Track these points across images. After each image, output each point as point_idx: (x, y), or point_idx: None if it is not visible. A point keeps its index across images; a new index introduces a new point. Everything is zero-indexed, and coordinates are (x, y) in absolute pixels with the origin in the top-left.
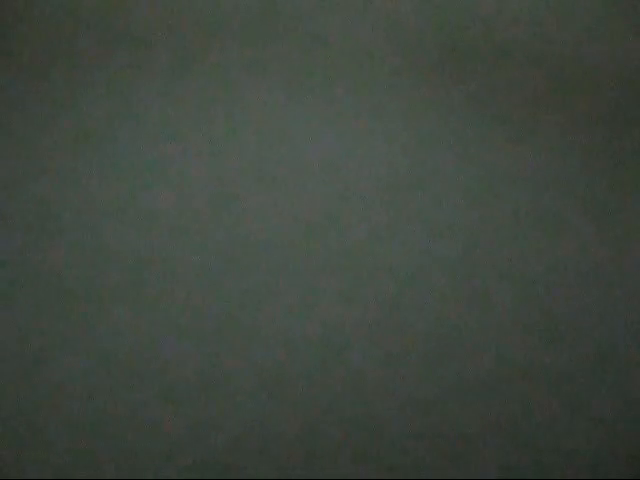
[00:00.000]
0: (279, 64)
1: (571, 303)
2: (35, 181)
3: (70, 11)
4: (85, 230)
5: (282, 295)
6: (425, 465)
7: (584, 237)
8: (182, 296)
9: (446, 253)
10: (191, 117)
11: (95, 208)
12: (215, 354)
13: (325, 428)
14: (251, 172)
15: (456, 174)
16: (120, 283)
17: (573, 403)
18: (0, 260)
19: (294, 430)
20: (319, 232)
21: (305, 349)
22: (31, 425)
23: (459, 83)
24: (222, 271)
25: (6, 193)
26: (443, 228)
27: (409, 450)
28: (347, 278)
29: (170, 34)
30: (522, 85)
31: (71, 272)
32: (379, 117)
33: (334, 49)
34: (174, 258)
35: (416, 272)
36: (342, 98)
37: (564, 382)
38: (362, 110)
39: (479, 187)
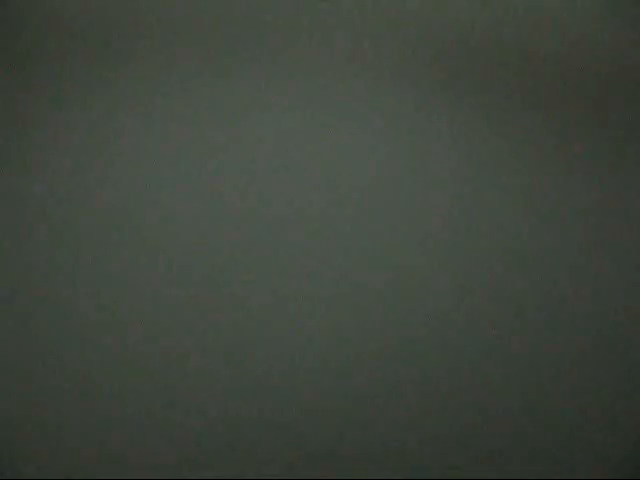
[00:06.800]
0: (284, 71)
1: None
2: (40, 187)
3: (77, 17)
4: (91, 236)
5: (282, 294)
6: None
7: (584, 239)
8: (183, 295)
9: (448, 254)
10: (190, 119)
11: (99, 216)
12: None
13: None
14: (251, 172)
15: (459, 175)
16: (125, 289)
17: (573, 403)
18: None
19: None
20: (318, 232)
21: (305, 353)
22: (34, 424)
23: (466, 88)
24: (223, 271)
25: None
26: (447, 231)
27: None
28: (347, 279)
29: (167, 35)
30: (529, 90)
31: (79, 277)
32: (383, 121)
33: (338, 50)
34: (173, 259)
35: (416, 270)
36: (345, 99)
37: (567, 384)
38: (366, 114)
39: (483, 190)
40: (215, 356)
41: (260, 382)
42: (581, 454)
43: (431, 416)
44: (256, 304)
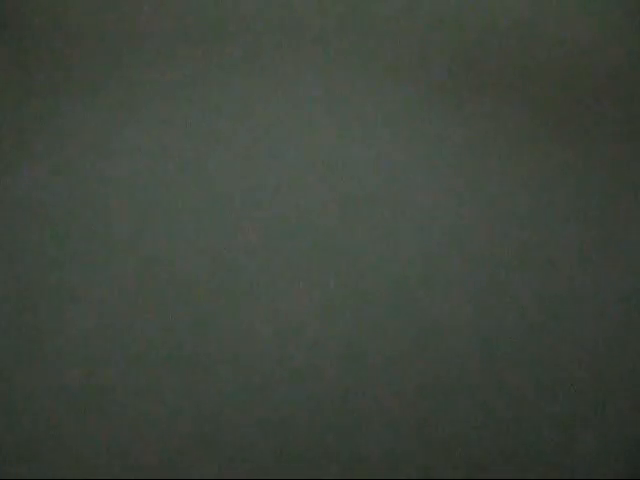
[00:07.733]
0: (284, 71)
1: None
2: (39, 187)
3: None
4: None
5: (281, 294)
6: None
7: (583, 241)
8: (183, 296)
9: (447, 254)
10: (191, 119)
11: (98, 210)
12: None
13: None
14: (250, 172)
15: (461, 176)
16: (124, 280)
17: (574, 404)
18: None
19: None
20: (318, 233)
21: (305, 353)
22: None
23: (468, 90)
24: (222, 271)
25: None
26: (449, 232)
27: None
28: (347, 277)
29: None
30: (531, 90)
31: (77, 268)
32: (384, 121)
33: (339, 50)
34: (174, 259)
35: (415, 270)
36: (346, 99)
37: (564, 384)
38: (367, 115)
39: (483, 191)
40: (215, 356)
41: (261, 383)
42: (581, 454)
43: (431, 416)
44: (256, 305)
